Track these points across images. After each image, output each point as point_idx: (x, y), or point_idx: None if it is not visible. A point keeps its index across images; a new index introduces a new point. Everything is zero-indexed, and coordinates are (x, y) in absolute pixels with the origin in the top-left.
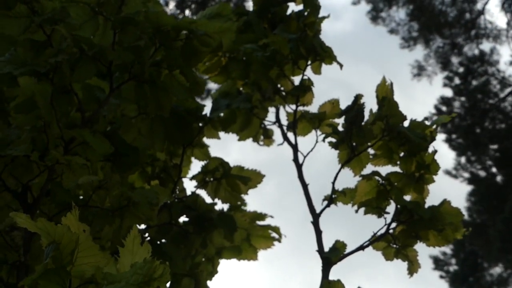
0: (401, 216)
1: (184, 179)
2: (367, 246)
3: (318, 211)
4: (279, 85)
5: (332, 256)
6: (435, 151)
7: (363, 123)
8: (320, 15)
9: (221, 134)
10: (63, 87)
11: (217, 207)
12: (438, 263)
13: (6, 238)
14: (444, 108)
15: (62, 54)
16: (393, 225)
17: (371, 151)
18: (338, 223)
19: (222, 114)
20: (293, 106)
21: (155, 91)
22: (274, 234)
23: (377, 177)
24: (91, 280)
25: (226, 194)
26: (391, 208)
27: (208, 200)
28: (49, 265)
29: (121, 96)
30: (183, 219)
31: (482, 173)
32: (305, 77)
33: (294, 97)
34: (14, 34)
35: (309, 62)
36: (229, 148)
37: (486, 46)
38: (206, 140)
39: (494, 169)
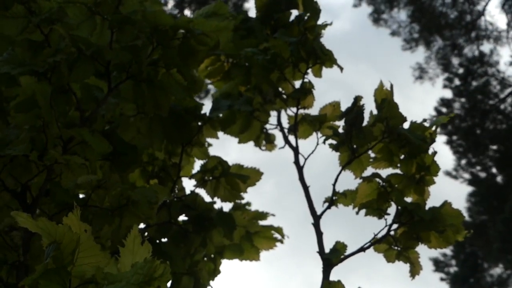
0: (402, 217)
1: (183, 178)
2: (368, 247)
3: (318, 212)
4: (280, 88)
5: (332, 257)
6: (435, 153)
7: (363, 125)
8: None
9: (220, 134)
10: (61, 86)
11: (217, 206)
12: (439, 265)
13: (5, 238)
14: (444, 110)
15: (60, 54)
16: (394, 226)
17: (371, 153)
18: (339, 225)
19: (221, 115)
20: (294, 109)
21: (152, 90)
22: (276, 235)
23: (377, 179)
24: (91, 280)
25: (226, 192)
26: (392, 210)
27: (208, 199)
28: (50, 265)
29: (119, 96)
30: (182, 218)
31: (482, 174)
32: (305, 80)
33: (295, 100)
34: (12, 34)
35: (309, 65)
36: (228, 148)
37: (486, 47)
38: (206, 139)
39: (494, 170)
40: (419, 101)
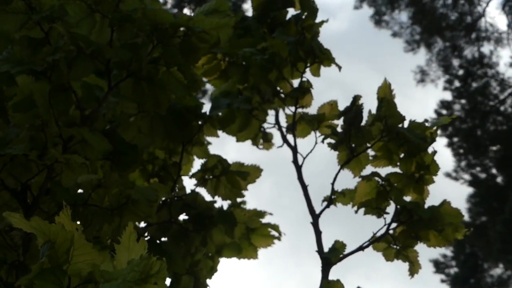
0: (401, 216)
1: (183, 177)
2: (367, 246)
3: (317, 212)
4: (278, 88)
5: (331, 256)
6: (434, 152)
7: (362, 124)
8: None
9: (219, 133)
10: (61, 85)
11: (217, 205)
12: (439, 266)
13: (5, 238)
14: (444, 112)
15: (60, 52)
16: (393, 225)
17: (370, 152)
18: (338, 224)
19: (221, 113)
20: (292, 108)
21: (152, 88)
22: (273, 233)
23: (376, 178)
24: (90, 279)
25: (226, 191)
26: (391, 208)
27: (208, 198)
28: (45, 264)
29: (120, 94)
30: (183, 217)
31: (482, 175)
32: (304, 80)
33: (293, 99)
34: (11, 30)
35: (307, 65)
36: (226, 147)
37: (485, 48)
38: (206, 138)
39: (494, 171)
40: (419, 103)
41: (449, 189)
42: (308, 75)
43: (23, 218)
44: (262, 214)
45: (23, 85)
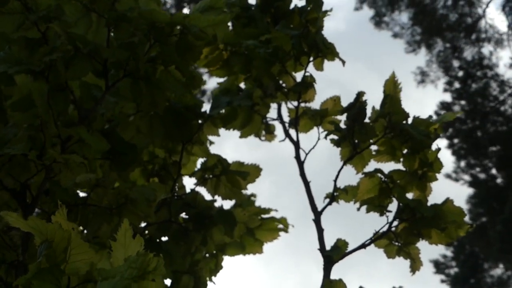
0: (403, 214)
1: (183, 177)
2: (369, 244)
3: (319, 209)
4: (281, 82)
5: (333, 254)
6: (438, 149)
7: (365, 121)
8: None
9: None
10: (58, 85)
11: (217, 204)
12: (439, 267)
13: (4, 238)
14: (444, 113)
15: (57, 52)
16: (395, 223)
17: (373, 148)
18: (339, 221)
19: (223, 111)
20: (295, 103)
21: (150, 87)
22: (280, 225)
23: (379, 175)
24: (89, 278)
25: (226, 190)
26: (393, 206)
27: (208, 197)
28: (43, 263)
29: (118, 94)
30: (182, 216)
31: (482, 176)
32: (307, 74)
33: (296, 93)
34: (8, 31)
35: (311, 59)
36: (224, 146)
37: (485, 49)
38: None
39: (494, 171)
40: (419, 104)
41: (449, 190)
42: (311, 69)
43: (20, 217)
44: (266, 211)
45: (21, 84)
